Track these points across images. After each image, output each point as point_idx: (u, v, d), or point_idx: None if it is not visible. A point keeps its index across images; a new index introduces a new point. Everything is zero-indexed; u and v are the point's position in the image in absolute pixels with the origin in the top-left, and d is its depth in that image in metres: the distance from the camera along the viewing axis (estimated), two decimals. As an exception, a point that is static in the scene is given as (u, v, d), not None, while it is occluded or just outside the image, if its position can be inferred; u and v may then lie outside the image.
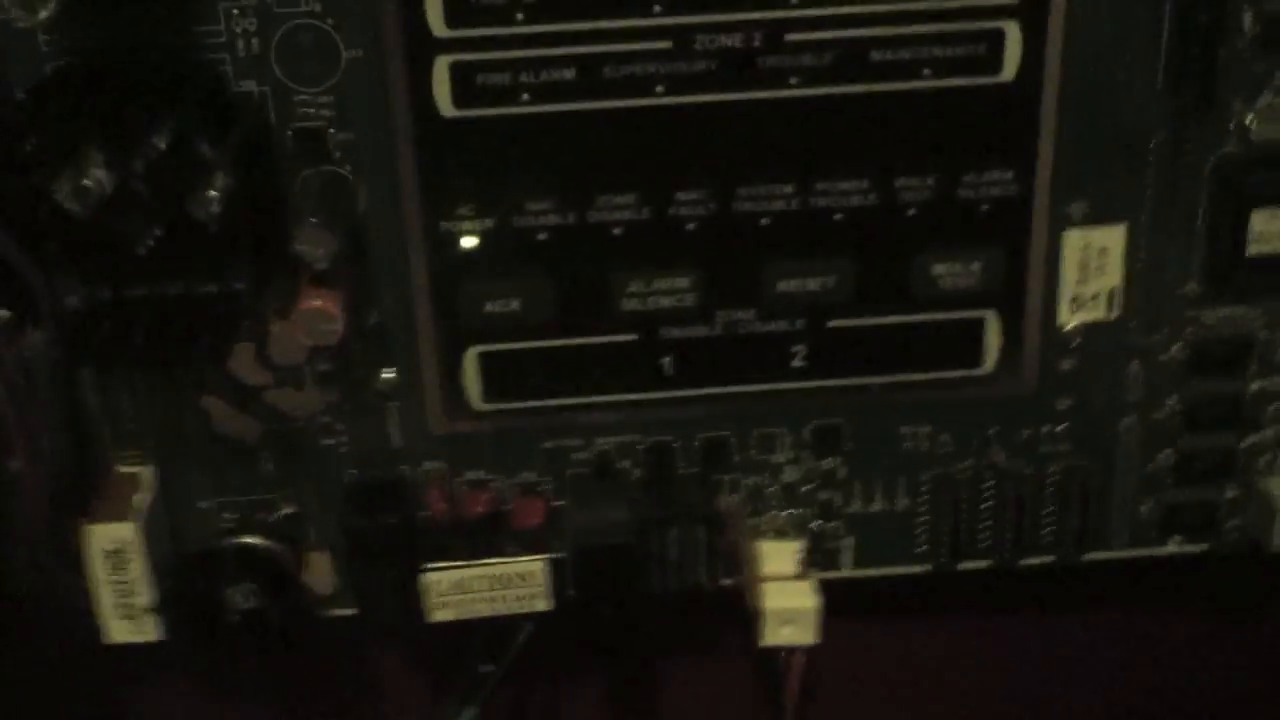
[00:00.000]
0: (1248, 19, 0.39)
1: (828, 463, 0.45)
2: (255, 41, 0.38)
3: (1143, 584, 0.48)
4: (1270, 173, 0.41)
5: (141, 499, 0.42)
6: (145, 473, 0.43)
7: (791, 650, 0.45)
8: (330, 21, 0.38)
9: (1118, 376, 0.44)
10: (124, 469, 0.43)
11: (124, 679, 0.49)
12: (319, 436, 0.43)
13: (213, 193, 0.36)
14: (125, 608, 0.42)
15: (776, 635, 0.44)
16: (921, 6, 0.38)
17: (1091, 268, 0.42)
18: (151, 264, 0.37)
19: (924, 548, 0.46)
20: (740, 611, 0.45)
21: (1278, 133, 0.40)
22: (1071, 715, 0.52)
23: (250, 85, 0.39)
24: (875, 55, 0.39)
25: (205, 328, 0.38)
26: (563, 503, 0.44)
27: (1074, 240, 0.42)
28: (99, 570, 0.42)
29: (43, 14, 0.35)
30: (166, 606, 0.43)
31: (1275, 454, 0.45)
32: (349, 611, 0.45)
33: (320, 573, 0.44)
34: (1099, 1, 0.39)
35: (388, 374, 0.42)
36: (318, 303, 0.39)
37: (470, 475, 0.44)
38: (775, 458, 0.44)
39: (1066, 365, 0.43)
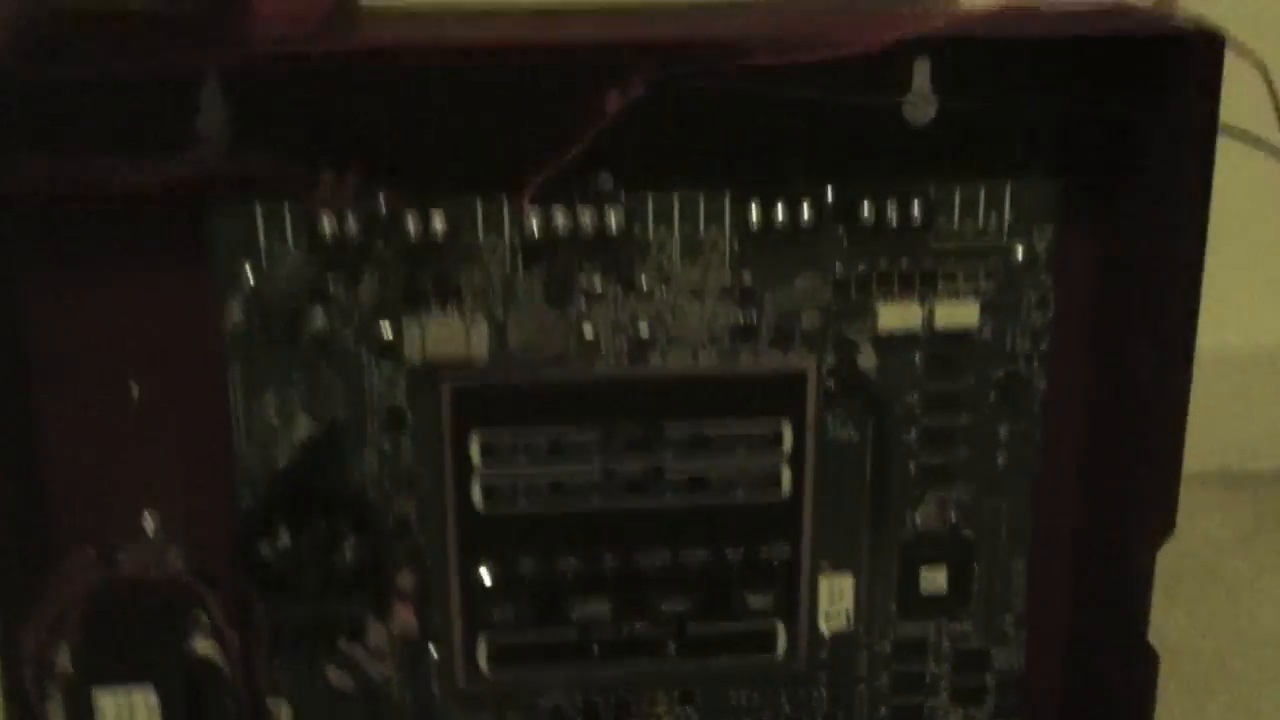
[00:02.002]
0: (912, 466, 0.72)
1: (688, 710, 0.74)
2: (375, 473, 0.70)
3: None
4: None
5: (287, 724, 0.72)
6: (285, 708, 0.73)
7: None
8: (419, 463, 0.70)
9: (854, 660, 0.74)
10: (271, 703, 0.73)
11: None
12: (389, 688, 0.73)
13: (348, 556, 0.68)
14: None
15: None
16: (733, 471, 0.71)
17: (835, 598, 0.73)
18: (318, 591, 0.69)
19: (748, 761, 0.75)
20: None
21: (934, 525, 0.73)
22: None
23: (373, 495, 0.70)
24: (709, 480, 0.71)
25: (341, 628, 0.70)
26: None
27: (824, 583, 0.73)
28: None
29: (281, 464, 0.68)
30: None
31: (949, 712, 0.76)
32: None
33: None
34: (833, 459, 0.72)
35: (434, 650, 0.73)
36: (404, 613, 0.70)
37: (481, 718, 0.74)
38: (657, 708, 0.74)
39: (824, 654, 0.73)
